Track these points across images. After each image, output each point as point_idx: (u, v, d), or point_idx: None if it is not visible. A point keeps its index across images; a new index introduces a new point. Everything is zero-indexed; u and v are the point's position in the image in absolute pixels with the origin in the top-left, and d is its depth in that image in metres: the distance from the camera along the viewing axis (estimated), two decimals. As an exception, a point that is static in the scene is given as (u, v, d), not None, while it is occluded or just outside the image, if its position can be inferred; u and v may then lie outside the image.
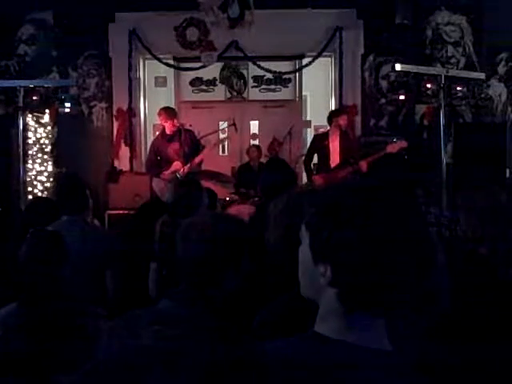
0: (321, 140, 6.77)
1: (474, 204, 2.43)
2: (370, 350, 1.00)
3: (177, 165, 6.41)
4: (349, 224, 0.99)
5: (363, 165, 6.30)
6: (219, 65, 8.46)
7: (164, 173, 6.46)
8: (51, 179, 7.40)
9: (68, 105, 7.46)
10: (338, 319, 1.03)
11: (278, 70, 8.24)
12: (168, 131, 6.49)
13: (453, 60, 7.83)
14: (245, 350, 1.33)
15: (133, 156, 7.98)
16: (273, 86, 8.74)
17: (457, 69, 7.65)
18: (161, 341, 1.45)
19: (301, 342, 1.05)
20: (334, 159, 6.64)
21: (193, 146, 6.45)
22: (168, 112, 6.53)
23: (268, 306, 1.55)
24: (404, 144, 6.34)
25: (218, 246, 1.60)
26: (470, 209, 2.43)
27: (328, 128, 6.82)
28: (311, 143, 7.03)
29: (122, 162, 7.90)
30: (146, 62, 8.34)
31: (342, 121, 6.65)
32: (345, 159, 6.58)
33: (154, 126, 8.23)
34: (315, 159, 6.97)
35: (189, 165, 6.35)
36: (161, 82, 8.65)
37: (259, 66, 7.97)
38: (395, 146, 6.36)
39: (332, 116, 6.75)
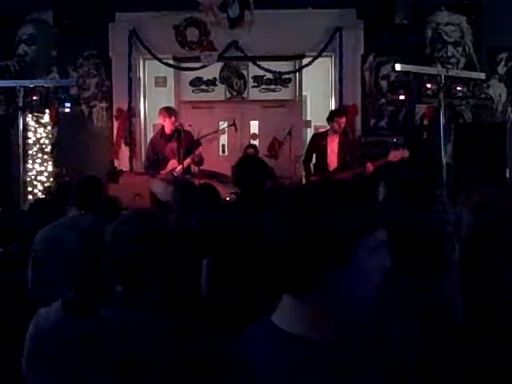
0: (319, 140, 6.66)
1: (474, 203, 2.43)
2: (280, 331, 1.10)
3: (173, 163, 6.43)
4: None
5: (370, 166, 6.16)
6: (219, 65, 8.46)
7: (161, 172, 6.48)
8: (51, 179, 7.41)
9: (68, 105, 7.47)
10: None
11: (278, 70, 8.24)
12: (167, 130, 6.50)
13: (453, 60, 7.83)
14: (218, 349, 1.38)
15: (133, 156, 7.99)
16: (273, 86, 8.73)
17: (457, 69, 7.65)
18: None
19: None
20: (332, 160, 6.53)
21: (190, 146, 6.46)
22: (167, 110, 6.55)
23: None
24: (406, 153, 6.16)
25: (150, 244, 1.57)
26: (470, 208, 2.43)
27: (327, 127, 6.75)
28: (309, 143, 6.94)
29: (122, 162, 7.90)
30: (146, 62, 8.34)
31: (341, 123, 6.50)
32: (344, 162, 6.48)
33: (154, 125, 8.22)
34: (313, 159, 6.89)
35: (186, 162, 6.37)
36: (161, 82, 8.64)
37: (259, 66, 7.96)
38: (397, 154, 6.19)
39: (332, 116, 6.64)
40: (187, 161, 6.39)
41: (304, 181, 6.98)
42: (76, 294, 1.99)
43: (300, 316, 1.11)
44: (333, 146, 6.53)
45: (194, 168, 6.62)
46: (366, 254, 1.09)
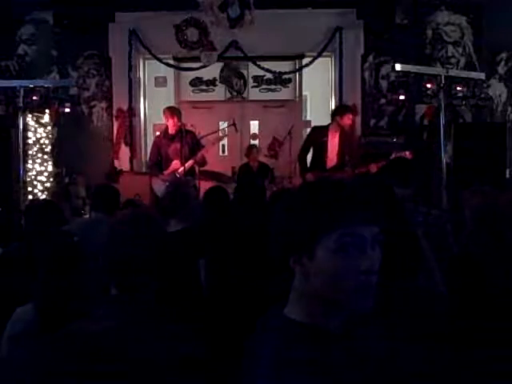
0: (319, 134, 6.36)
1: (472, 204, 2.43)
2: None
3: (176, 164, 6.44)
4: None
5: (373, 167, 6.00)
6: (219, 65, 8.46)
7: (164, 173, 6.49)
8: (51, 179, 7.41)
9: (68, 105, 7.46)
10: None
11: (278, 70, 8.24)
12: (170, 131, 6.51)
13: (453, 60, 7.83)
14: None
15: (133, 156, 7.99)
16: (273, 86, 8.73)
17: (457, 69, 7.65)
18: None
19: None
20: (332, 158, 6.30)
21: (193, 146, 6.47)
22: (170, 110, 6.55)
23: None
24: (409, 155, 6.05)
25: (146, 245, 1.56)
26: (469, 209, 2.43)
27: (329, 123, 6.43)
28: (308, 135, 6.67)
29: (122, 162, 7.90)
30: (146, 62, 8.34)
31: (348, 120, 6.23)
32: (343, 161, 6.34)
33: (154, 125, 8.24)
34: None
35: (187, 164, 6.38)
36: (161, 82, 8.64)
37: (259, 66, 7.97)
38: (400, 155, 6.06)
39: (337, 113, 6.36)
40: (189, 163, 6.39)
41: (300, 176, 6.74)
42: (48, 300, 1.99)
43: (298, 304, 1.18)
44: (333, 144, 6.29)
45: (198, 169, 6.63)
46: (329, 252, 1.10)
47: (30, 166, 7.22)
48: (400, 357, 1.15)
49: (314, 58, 7.87)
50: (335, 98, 8.01)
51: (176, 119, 6.45)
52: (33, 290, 2.08)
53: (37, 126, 7.35)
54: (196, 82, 8.71)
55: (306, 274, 1.14)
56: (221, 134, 7.40)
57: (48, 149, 7.46)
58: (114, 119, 8.02)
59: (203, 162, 6.54)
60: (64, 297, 2.03)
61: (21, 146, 6.56)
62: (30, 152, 7.25)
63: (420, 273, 2.10)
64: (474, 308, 1.99)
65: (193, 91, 8.75)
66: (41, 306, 2.02)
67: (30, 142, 7.26)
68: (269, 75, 8.48)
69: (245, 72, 8.67)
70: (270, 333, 1.15)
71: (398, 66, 6.62)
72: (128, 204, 3.97)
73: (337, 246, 1.10)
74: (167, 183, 6.22)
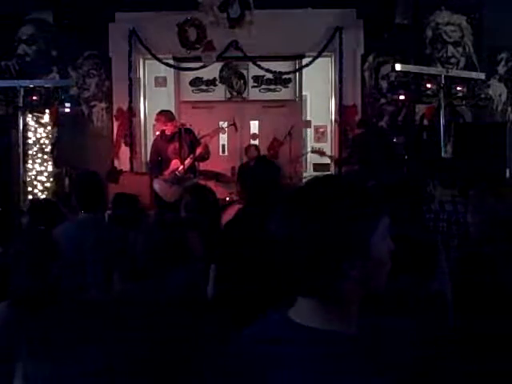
0: None
1: (486, 205, 2.42)
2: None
3: (175, 163, 6.45)
4: None
5: None
6: (219, 65, 8.46)
7: (164, 173, 6.50)
8: (51, 179, 7.41)
9: (68, 105, 7.46)
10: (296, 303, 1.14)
11: (277, 70, 8.24)
12: (168, 132, 6.53)
13: (453, 60, 7.83)
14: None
15: (133, 156, 7.99)
16: (273, 86, 8.73)
17: (457, 69, 7.65)
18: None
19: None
20: None
21: (192, 144, 6.48)
22: (167, 115, 6.58)
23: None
24: None
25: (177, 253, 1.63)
26: (481, 209, 2.42)
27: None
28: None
29: (122, 162, 7.90)
30: (146, 62, 8.34)
31: None
32: None
33: (154, 125, 8.23)
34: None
35: (186, 162, 6.39)
36: (161, 82, 8.64)
37: (259, 66, 7.96)
38: None
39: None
40: (188, 160, 6.41)
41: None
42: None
43: (324, 312, 1.11)
44: None
45: (199, 164, 6.65)
46: (380, 241, 1.10)
47: (30, 166, 7.22)
48: (409, 355, 1.14)
49: (314, 58, 7.87)
50: (335, 98, 8.01)
51: (174, 121, 6.50)
52: (10, 285, 2.10)
53: (37, 125, 7.35)
54: (196, 82, 8.71)
55: (363, 274, 1.08)
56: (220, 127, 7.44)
57: (48, 149, 7.46)
58: (114, 119, 8.02)
59: (205, 156, 6.55)
60: (40, 292, 2.06)
61: (21, 146, 6.57)
62: (30, 152, 7.25)
63: (434, 277, 2.09)
64: (483, 307, 1.99)
65: (193, 91, 8.75)
66: (17, 301, 2.05)
67: (30, 141, 7.25)
68: (269, 75, 8.48)
69: (245, 72, 8.67)
70: (290, 343, 1.09)
71: (398, 66, 6.64)
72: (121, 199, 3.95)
73: (384, 232, 1.11)
74: (172, 183, 6.29)
